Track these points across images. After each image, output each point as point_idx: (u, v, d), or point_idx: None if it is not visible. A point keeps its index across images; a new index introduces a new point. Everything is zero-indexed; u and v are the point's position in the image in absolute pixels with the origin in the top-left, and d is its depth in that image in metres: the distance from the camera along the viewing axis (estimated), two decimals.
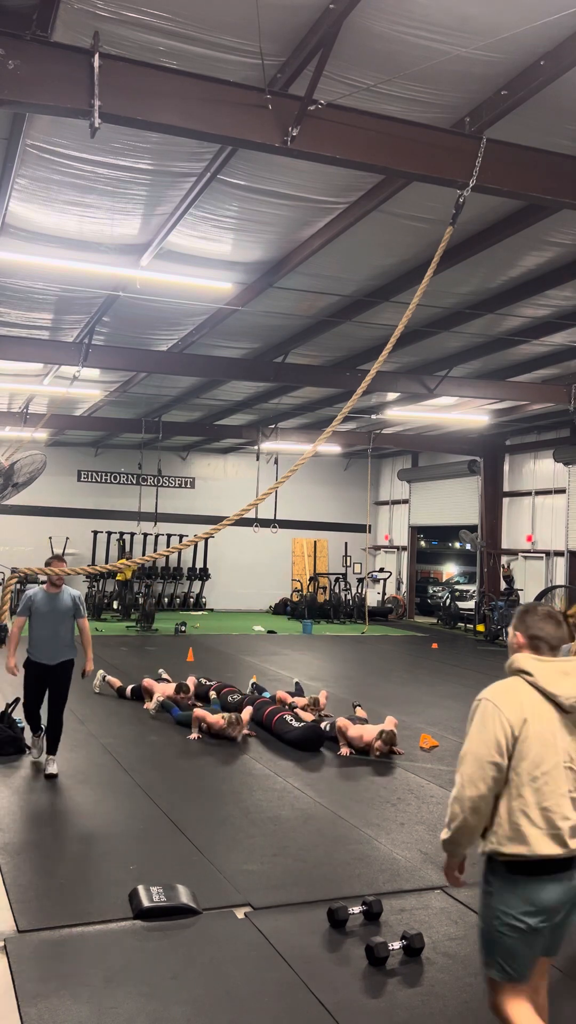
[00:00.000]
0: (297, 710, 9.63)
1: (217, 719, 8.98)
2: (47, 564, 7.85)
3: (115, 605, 21.68)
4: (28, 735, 8.10)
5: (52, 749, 7.56)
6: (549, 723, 3.02)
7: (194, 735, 8.97)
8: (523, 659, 3.14)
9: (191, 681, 10.45)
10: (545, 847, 2.95)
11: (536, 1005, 3.15)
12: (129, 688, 10.82)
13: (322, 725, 9.07)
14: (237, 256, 9.05)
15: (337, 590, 23.77)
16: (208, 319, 11.46)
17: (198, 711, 9.22)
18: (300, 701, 10.04)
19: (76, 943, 4.57)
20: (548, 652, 3.15)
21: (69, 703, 7.71)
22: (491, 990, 3.17)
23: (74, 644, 7.69)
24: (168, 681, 10.78)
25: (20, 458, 14.17)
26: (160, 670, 11.77)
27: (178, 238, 8.45)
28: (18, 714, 8.55)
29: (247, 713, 9.29)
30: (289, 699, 10.14)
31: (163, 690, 10.28)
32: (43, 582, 7.96)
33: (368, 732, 8.62)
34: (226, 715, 8.99)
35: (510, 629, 3.26)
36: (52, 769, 7.46)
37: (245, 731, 9.15)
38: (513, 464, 21.15)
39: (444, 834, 3.11)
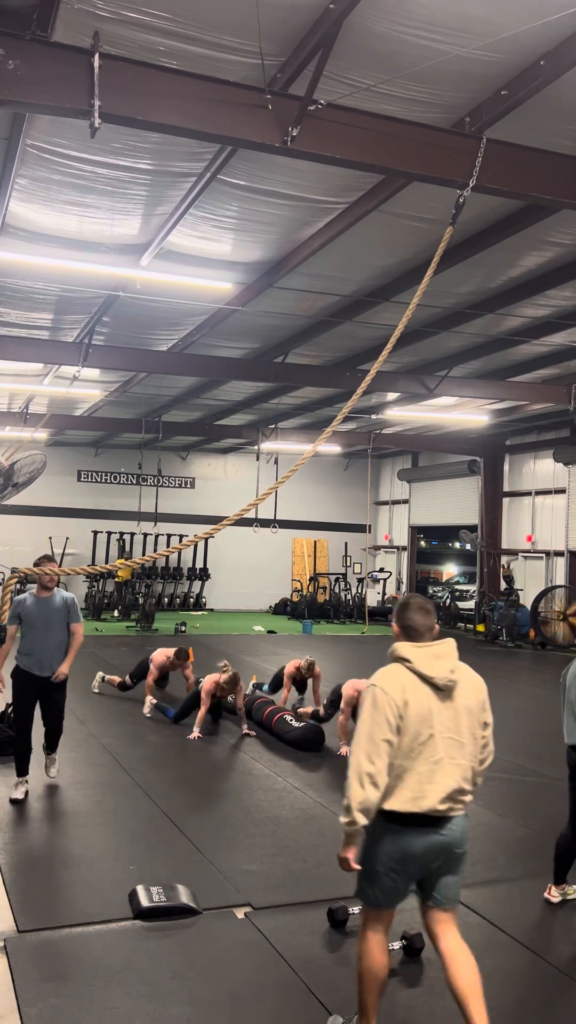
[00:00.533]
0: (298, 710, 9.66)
1: (215, 677, 8.97)
2: (36, 564, 6.82)
3: (115, 613, 21.53)
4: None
5: (52, 746, 7.27)
6: (426, 701, 3.52)
7: (195, 735, 8.96)
8: (402, 647, 3.66)
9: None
10: (413, 805, 3.50)
11: (451, 951, 3.62)
12: (128, 676, 10.79)
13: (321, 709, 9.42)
14: (237, 256, 9.05)
15: (337, 590, 23.77)
16: (208, 319, 11.46)
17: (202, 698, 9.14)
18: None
19: (76, 943, 4.57)
20: (421, 638, 3.68)
21: (69, 702, 7.62)
22: (361, 917, 3.80)
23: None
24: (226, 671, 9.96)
25: (20, 458, 14.17)
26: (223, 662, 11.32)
27: (178, 238, 8.45)
28: None
29: (242, 689, 9.37)
30: (293, 669, 10.13)
31: (163, 657, 10.14)
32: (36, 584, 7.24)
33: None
34: (223, 674, 8.94)
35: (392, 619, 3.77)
36: (53, 772, 7.25)
37: (245, 729, 9.17)
38: (513, 464, 21.15)
39: (344, 817, 3.50)
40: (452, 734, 3.56)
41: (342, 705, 8.71)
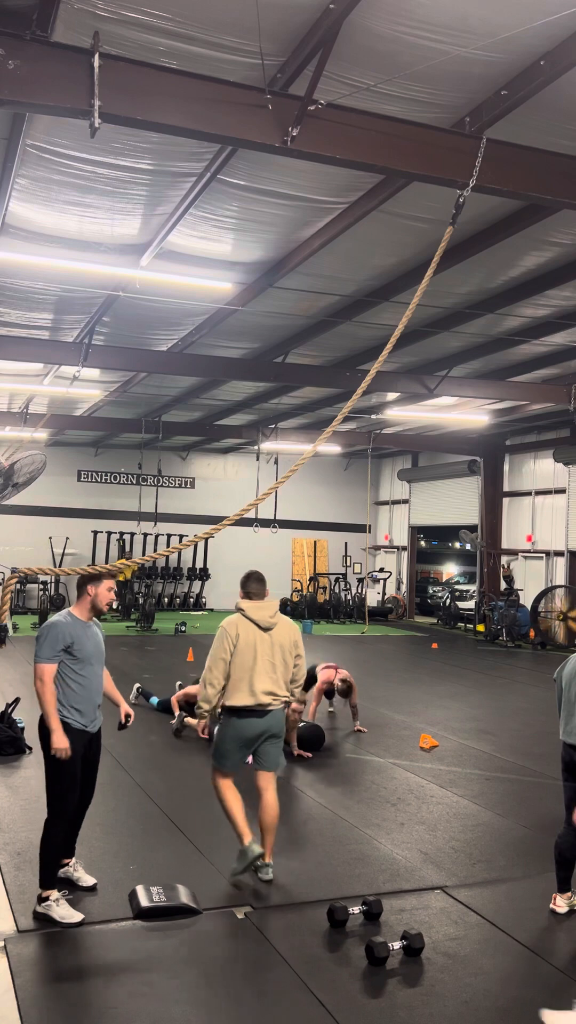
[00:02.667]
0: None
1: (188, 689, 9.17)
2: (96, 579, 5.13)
3: (115, 613, 21.63)
4: (67, 873, 5.25)
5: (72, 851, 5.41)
6: (253, 635, 5.42)
7: (182, 723, 9.12)
8: (241, 603, 5.58)
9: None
10: (245, 700, 5.36)
11: (265, 799, 5.54)
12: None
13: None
14: (237, 256, 9.05)
15: (337, 590, 23.77)
16: (208, 319, 11.46)
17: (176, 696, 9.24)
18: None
19: (76, 943, 4.58)
20: (255, 598, 5.58)
21: None
22: (213, 776, 5.57)
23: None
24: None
25: (20, 458, 14.15)
26: (178, 683, 10.87)
27: (178, 238, 8.45)
28: (18, 715, 8.57)
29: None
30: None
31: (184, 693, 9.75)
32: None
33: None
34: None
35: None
36: (91, 880, 5.29)
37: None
38: (513, 464, 21.15)
39: (198, 708, 5.48)
40: (269, 657, 5.42)
41: (313, 690, 9.28)
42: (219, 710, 5.50)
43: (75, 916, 4.77)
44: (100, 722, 5.16)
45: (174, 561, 23.57)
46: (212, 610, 23.63)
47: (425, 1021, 3.98)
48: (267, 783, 5.53)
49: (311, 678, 9.62)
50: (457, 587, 24.69)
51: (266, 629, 5.43)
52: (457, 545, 27.58)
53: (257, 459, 21.43)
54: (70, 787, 4.96)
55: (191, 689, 9.83)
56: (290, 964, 4.41)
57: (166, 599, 23.02)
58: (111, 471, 23.79)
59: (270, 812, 5.48)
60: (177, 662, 13.80)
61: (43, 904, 4.83)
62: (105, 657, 5.23)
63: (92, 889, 5.17)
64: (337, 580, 23.98)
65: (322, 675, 9.67)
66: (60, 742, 4.82)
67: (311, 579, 23.88)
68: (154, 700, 9.67)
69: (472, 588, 23.61)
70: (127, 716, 5.31)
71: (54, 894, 4.85)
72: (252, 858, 5.32)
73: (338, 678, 9.50)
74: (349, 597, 23.66)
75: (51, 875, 4.93)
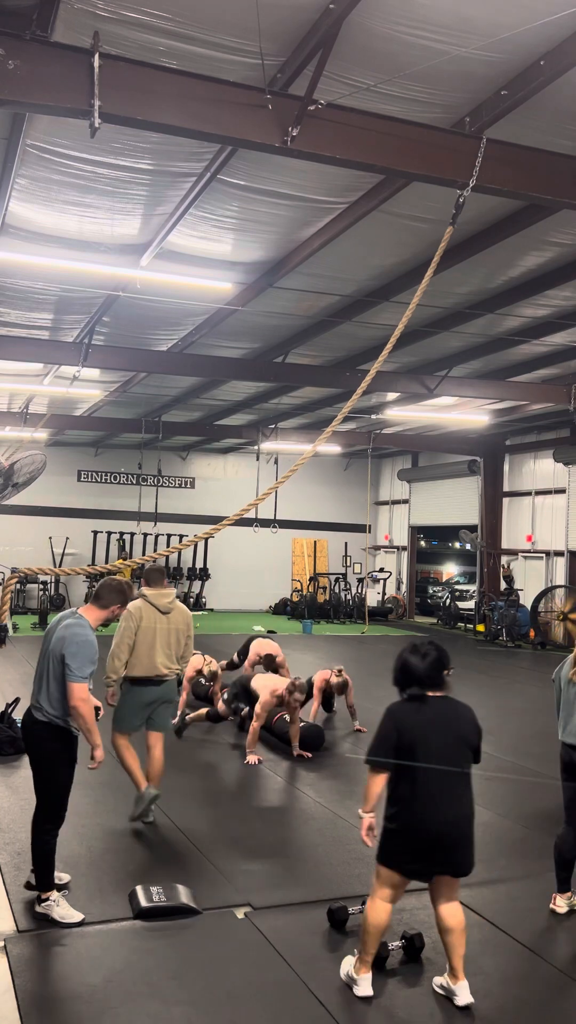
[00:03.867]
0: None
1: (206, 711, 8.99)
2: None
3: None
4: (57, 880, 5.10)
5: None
6: (153, 618, 6.42)
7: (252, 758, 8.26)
8: (145, 590, 6.56)
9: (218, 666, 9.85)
10: (146, 672, 6.34)
11: (154, 756, 6.56)
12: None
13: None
14: (237, 256, 9.05)
15: (337, 590, 23.76)
16: (208, 319, 11.46)
17: (194, 714, 9.03)
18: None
19: (76, 943, 4.57)
20: (156, 587, 6.59)
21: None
22: (113, 736, 6.31)
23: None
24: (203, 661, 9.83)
25: (20, 458, 14.15)
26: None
27: (178, 238, 8.44)
28: (18, 714, 8.56)
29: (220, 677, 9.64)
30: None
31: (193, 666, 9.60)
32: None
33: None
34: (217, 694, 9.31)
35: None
36: (65, 877, 5.29)
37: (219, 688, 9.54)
38: (513, 464, 21.14)
39: (106, 679, 6.28)
40: (166, 637, 6.44)
41: (314, 691, 9.42)
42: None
43: (75, 916, 4.77)
44: None
45: (174, 561, 23.55)
46: (212, 610, 23.62)
47: (425, 1021, 3.98)
48: (156, 741, 6.59)
49: (311, 685, 9.68)
50: (457, 587, 24.69)
51: (165, 612, 6.50)
52: (457, 545, 27.58)
53: (257, 459, 21.43)
54: (68, 791, 4.99)
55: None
56: (290, 964, 4.41)
57: None
58: (111, 471, 23.79)
59: (156, 765, 6.55)
60: None
61: (43, 904, 4.83)
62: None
63: (66, 886, 5.16)
64: (337, 580, 23.97)
65: (319, 675, 9.75)
66: (101, 755, 4.89)
67: (311, 579, 23.87)
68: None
69: (472, 588, 23.61)
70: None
71: (54, 894, 4.85)
72: (149, 799, 6.22)
73: (333, 674, 9.58)
74: (349, 597, 23.65)
75: (50, 877, 4.91)
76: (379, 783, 4.10)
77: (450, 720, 4.16)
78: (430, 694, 4.18)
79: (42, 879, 4.90)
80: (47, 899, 4.83)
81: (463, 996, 4.02)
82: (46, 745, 4.88)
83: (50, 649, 4.87)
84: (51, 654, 4.85)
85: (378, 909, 4.11)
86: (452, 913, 4.13)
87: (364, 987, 4.11)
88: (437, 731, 4.08)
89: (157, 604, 6.45)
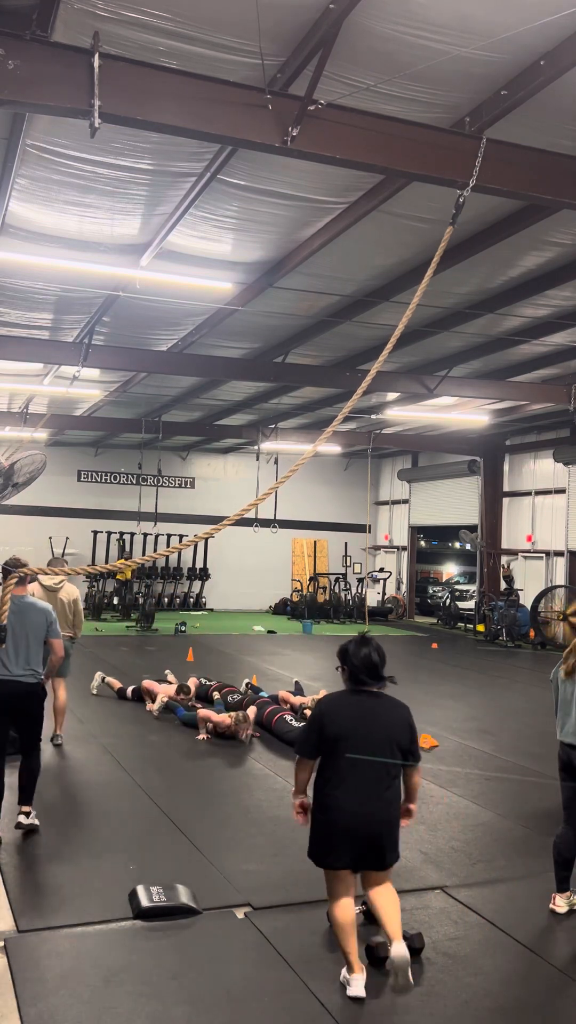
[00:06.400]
0: (299, 709, 9.61)
1: (223, 718, 8.99)
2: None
3: (115, 613, 21.58)
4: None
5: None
6: (45, 597, 7.67)
7: (202, 736, 8.97)
8: (40, 575, 7.24)
9: (192, 682, 10.45)
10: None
11: (61, 697, 8.20)
12: (130, 689, 10.79)
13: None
14: (237, 256, 9.05)
15: (337, 590, 23.76)
16: (208, 319, 11.46)
17: (203, 711, 9.21)
18: (300, 700, 10.02)
19: (76, 943, 4.57)
20: (49, 573, 5.85)
21: (70, 702, 7.60)
22: None
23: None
24: (172, 683, 10.74)
25: (20, 458, 14.14)
26: (166, 671, 11.68)
27: (178, 238, 8.45)
28: None
29: (252, 711, 9.30)
30: (291, 699, 10.11)
31: (165, 691, 10.26)
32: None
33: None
34: (233, 714, 9.00)
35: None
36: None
37: (251, 731, 9.14)
38: (513, 464, 21.15)
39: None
40: (58, 607, 7.68)
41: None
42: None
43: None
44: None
45: (174, 561, 23.57)
46: (212, 610, 23.63)
47: (425, 1021, 3.98)
48: (59, 685, 8.22)
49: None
50: (457, 587, 24.69)
51: (52, 591, 8.32)
52: (457, 545, 27.58)
53: (257, 459, 21.43)
54: None
55: (152, 686, 10.53)
56: (290, 964, 4.41)
57: (166, 599, 23.02)
58: (111, 471, 23.79)
59: (61, 703, 8.25)
60: (177, 662, 13.79)
61: (29, 816, 6.04)
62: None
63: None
64: (337, 580, 23.97)
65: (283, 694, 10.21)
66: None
67: (311, 579, 23.87)
68: (180, 712, 9.71)
69: (472, 588, 23.61)
70: None
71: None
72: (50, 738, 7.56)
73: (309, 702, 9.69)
74: (349, 597, 23.65)
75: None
76: (306, 770, 4.27)
77: (379, 717, 4.19)
78: (366, 689, 4.23)
79: (32, 793, 6.10)
80: (31, 811, 6.04)
81: (356, 986, 4.08)
82: (43, 695, 6.23)
83: (33, 624, 6.17)
84: (35, 627, 6.18)
85: (339, 908, 4.19)
86: (383, 893, 4.23)
87: (355, 987, 4.10)
88: (365, 726, 4.13)
89: (47, 584, 8.38)
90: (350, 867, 4.18)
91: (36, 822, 6.08)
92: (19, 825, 5.98)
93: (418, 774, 4.35)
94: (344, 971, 4.19)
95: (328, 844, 4.13)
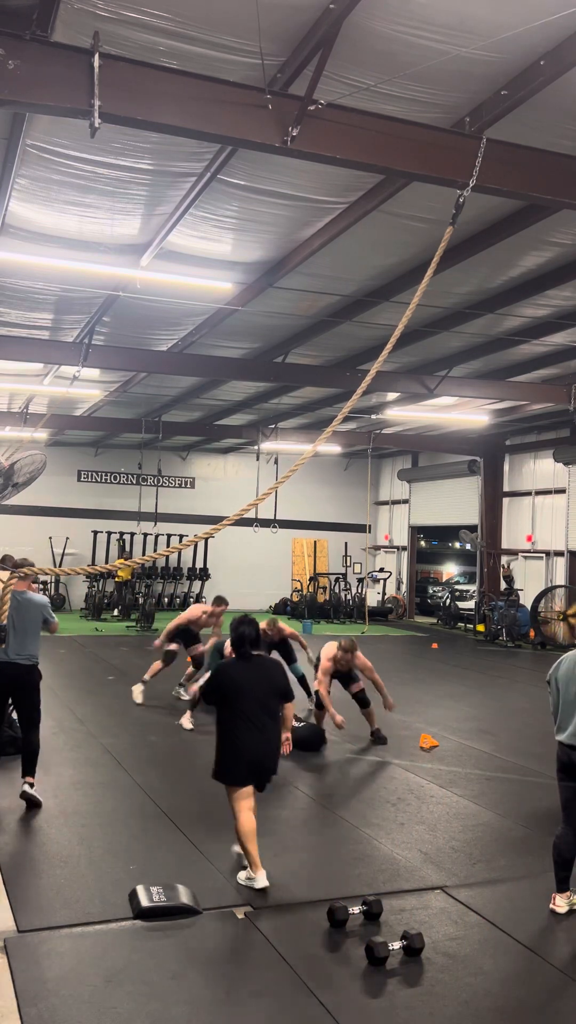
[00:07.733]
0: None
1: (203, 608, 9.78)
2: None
3: (115, 613, 21.58)
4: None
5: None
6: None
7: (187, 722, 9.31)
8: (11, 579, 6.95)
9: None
10: None
11: None
12: (170, 645, 10.84)
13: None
14: (237, 256, 9.05)
15: (337, 590, 23.76)
16: (208, 319, 11.46)
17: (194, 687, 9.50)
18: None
19: (76, 943, 4.57)
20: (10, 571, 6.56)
21: (69, 701, 7.67)
22: None
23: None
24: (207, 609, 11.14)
25: (20, 458, 14.14)
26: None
27: (178, 238, 8.44)
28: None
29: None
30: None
31: (198, 611, 10.94)
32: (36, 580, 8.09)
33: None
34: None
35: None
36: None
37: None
38: (513, 464, 21.15)
39: None
40: None
41: (319, 675, 8.94)
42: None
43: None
44: None
45: (174, 561, 23.56)
46: None
47: (425, 1021, 3.98)
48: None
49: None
50: (457, 587, 24.68)
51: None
52: (457, 545, 27.58)
53: (257, 459, 21.42)
54: None
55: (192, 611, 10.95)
56: (290, 964, 4.41)
57: (166, 599, 23.00)
58: (111, 471, 23.79)
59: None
60: (177, 662, 13.77)
61: (32, 788, 6.63)
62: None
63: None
64: (337, 580, 23.97)
65: (324, 653, 9.17)
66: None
67: (311, 579, 23.87)
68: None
69: (472, 588, 23.61)
70: None
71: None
72: None
73: (339, 649, 9.02)
74: (349, 597, 23.65)
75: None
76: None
77: (263, 671, 5.52)
78: (254, 653, 5.51)
79: (34, 765, 6.73)
80: (34, 783, 6.63)
81: (261, 880, 5.22)
82: (38, 677, 6.85)
83: (31, 617, 6.85)
84: (33, 619, 6.85)
85: (243, 816, 5.34)
86: (252, 816, 5.40)
87: (261, 880, 5.24)
88: (255, 680, 5.42)
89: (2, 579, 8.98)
90: (244, 783, 5.40)
91: (38, 796, 6.61)
92: (24, 794, 6.58)
93: (289, 709, 6.12)
94: (248, 871, 5.29)
95: (233, 768, 5.37)
